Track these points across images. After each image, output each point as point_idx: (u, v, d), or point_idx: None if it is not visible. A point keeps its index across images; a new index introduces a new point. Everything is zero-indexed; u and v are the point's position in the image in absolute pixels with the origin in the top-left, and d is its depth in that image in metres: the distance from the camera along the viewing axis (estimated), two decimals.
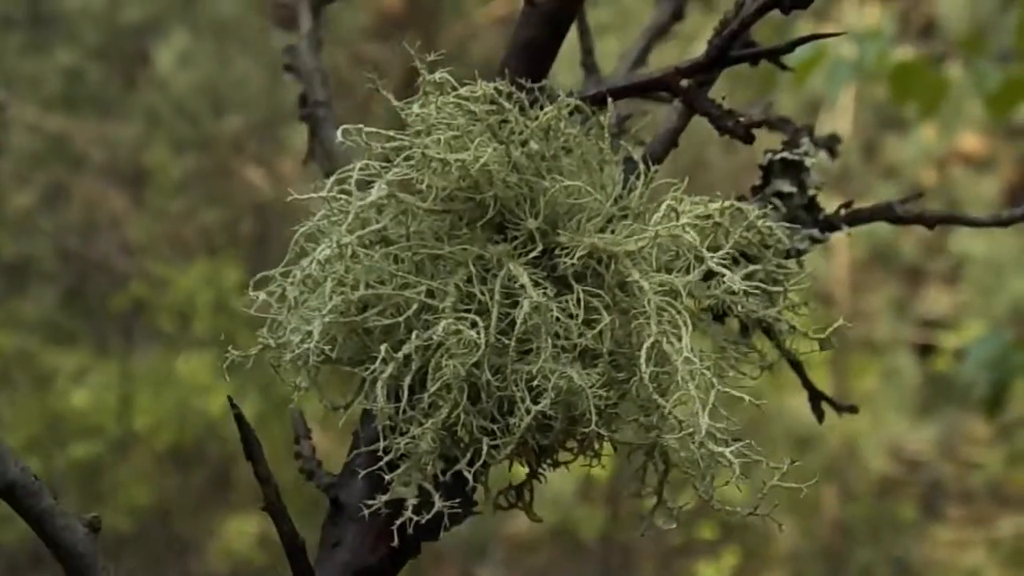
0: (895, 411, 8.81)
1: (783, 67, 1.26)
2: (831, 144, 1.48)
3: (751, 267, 1.06)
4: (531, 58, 1.11)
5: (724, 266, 1.01)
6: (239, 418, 0.99)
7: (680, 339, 0.99)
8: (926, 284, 9.63)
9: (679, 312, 1.01)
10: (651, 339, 0.99)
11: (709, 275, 1.05)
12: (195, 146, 9.56)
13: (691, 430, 0.97)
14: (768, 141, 1.29)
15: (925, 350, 9.05)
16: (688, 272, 1.04)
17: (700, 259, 1.02)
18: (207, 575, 8.39)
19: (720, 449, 0.96)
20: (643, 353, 0.99)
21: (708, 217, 1.04)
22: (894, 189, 9.40)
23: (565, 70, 1.31)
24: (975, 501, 8.98)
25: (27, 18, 9.27)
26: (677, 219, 1.01)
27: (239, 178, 9.85)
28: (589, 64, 1.45)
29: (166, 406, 8.42)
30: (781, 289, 1.06)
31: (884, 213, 1.25)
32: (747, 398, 0.98)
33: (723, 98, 1.09)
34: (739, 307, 1.04)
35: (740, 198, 1.21)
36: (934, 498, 9.08)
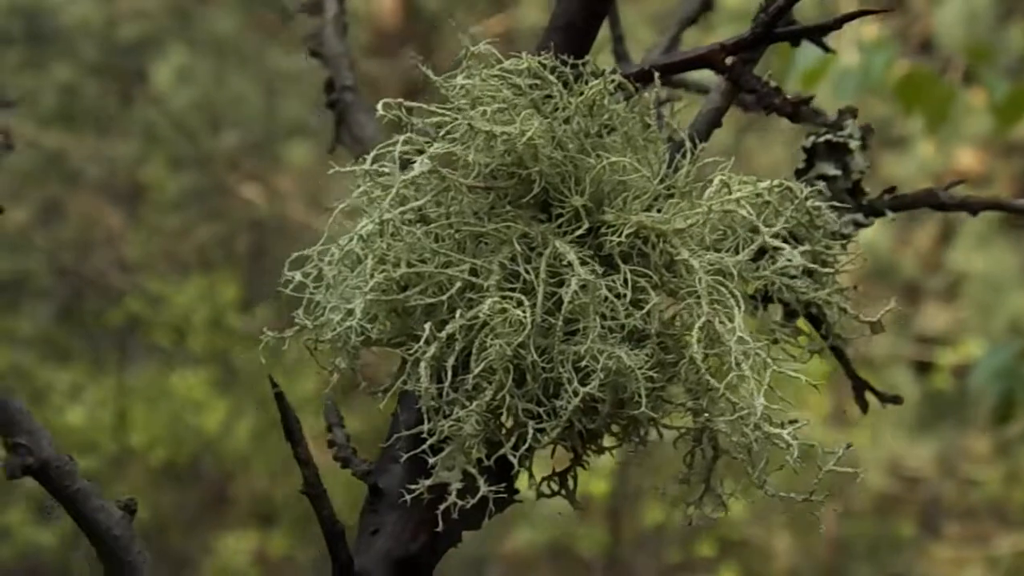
0: (894, 428, 8.78)
1: (825, 48, 1.24)
2: (864, 135, 1.46)
3: (800, 248, 1.03)
4: (571, 37, 1.08)
5: (779, 243, 0.98)
6: (279, 396, 0.95)
7: (732, 319, 0.96)
8: (924, 300, 9.62)
9: (731, 292, 0.98)
10: (702, 319, 0.96)
11: (758, 256, 1.02)
12: (192, 163, 9.54)
13: (745, 412, 0.94)
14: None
15: (924, 367, 9.03)
16: (738, 251, 1.01)
17: (753, 236, 0.99)
18: None
19: (777, 431, 0.93)
20: (694, 333, 0.96)
21: (758, 195, 1.01)
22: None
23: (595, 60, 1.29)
24: (974, 518, 8.96)
25: (24, 35, 9.25)
26: (730, 194, 0.99)
27: (236, 195, 9.83)
28: (620, 52, 1.42)
29: (161, 423, 8.38)
30: (831, 271, 1.03)
31: (928, 199, 1.22)
32: (804, 378, 0.95)
33: (769, 74, 1.06)
34: (789, 289, 1.01)
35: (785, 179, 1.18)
36: (933, 515, 9.05)
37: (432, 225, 0.99)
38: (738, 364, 0.94)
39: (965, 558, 8.68)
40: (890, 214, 1.19)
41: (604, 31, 1.38)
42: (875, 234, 9.13)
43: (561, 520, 7.45)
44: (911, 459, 8.96)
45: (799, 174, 1.19)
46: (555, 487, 1.05)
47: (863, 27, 8.12)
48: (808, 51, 4.07)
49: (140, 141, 9.32)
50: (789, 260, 0.96)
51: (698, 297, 0.97)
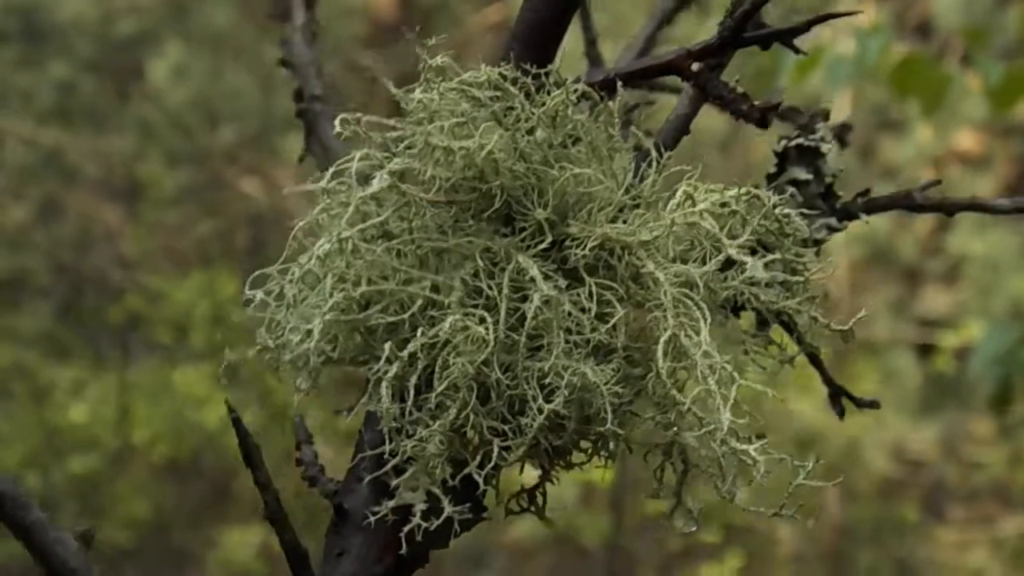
0: (896, 411, 8.77)
1: (796, 51, 1.22)
2: (842, 133, 1.44)
3: (769, 256, 1.01)
4: (536, 42, 1.06)
5: (744, 254, 0.97)
6: (237, 423, 0.94)
7: (698, 332, 0.94)
8: (925, 284, 9.61)
9: (697, 304, 0.96)
10: (668, 332, 0.94)
11: (726, 265, 1.00)
12: (189, 158, 9.53)
13: (712, 427, 0.93)
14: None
15: (925, 350, 9.02)
16: (704, 262, 0.99)
17: (718, 248, 0.97)
18: None
19: (744, 447, 0.92)
20: (660, 347, 0.94)
21: (725, 204, 1.00)
22: (891, 189, 9.36)
23: (568, 64, 1.27)
24: (978, 501, 8.95)
25: (20, 32, 9.24)
26: (694, 206, 0.97)
27: (234, 189, 9.82)
28: (593, 55, 1.40)
29: (163, 418, 8.38)
30: (801, 279, 1.02)
31: (903, 201, 1.20)
32: (770, 392, 0.93)
33: (736, 81, 1.04)
34: (758, 298, 1.00)
35: (754, 187, 1.17)
36: (936, 499, 9.05)
37: (395, 241, 0.98)
38: (704, 378, 0.93)
39: (969, 541, 8.68)
40: (864, 217, 1.17)
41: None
42: (874, 218, 9.09)
43: (564, 509, 7.44)
44: (914, 442, 8.95)
45: (770, 179, 1.17)
46: (524, 504, 1.04)
47: (856, 16, 8.09)
48: (800, 40, 4.05)
49: (137, 137, 9.31)
50: (753, 273, 0.94)
51: (664, 310, 0.95)
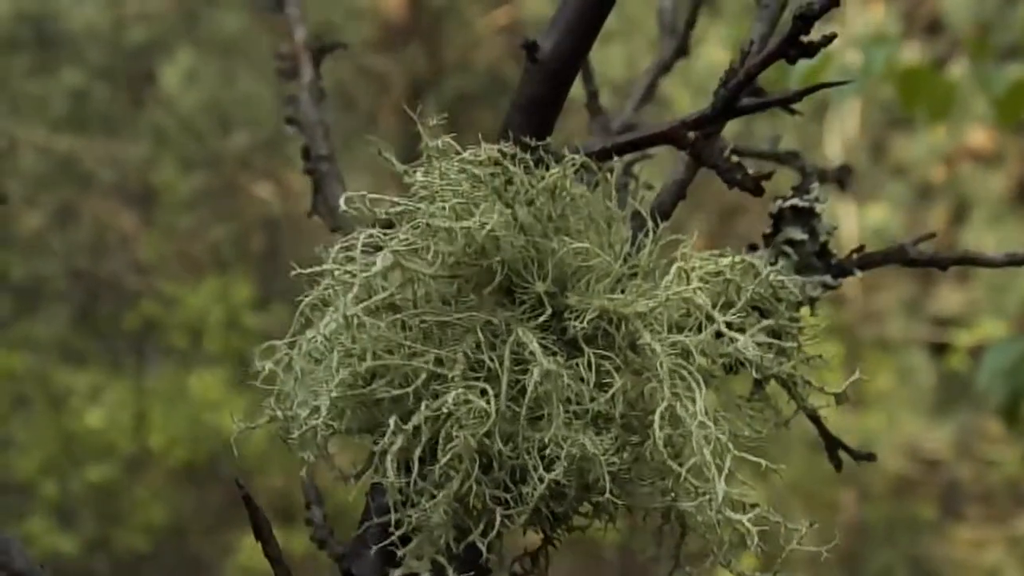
0: (910, 410, 8.78)
1: (792, 112, 1.25)
2: (842, 176, 1.47)
3: (764, 322, 1.04)
4: (535, 115, 1.09)
5: (735, 327, 1.00)
6: (247, 500, 0.97)
7: (694, 402, 0.97)
8: (938, 282, 9.61)
9: (692, 373, 0.99)
10: (664, 403, 0.97)
11: (722, 332, 1.03)
12: (203, 163, 9.57)
13: (708, 496, 0.96)
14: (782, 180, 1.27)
15: (939, 348, 9.02)
16: (700, 331, 1.02)
17: (712, 320, 1.00)
18: None
19: (738, 516, 0.95)
20: (656, 417, 0.97)
21: (719, 274, 1.03)
22: (903, 186, 9.37)
23: (569, 114, 1.30)
24: (993, 499, 8.95)
25: (33, 40, 9.28)
26: (688, 282, 1.00)
27: (247, 194, 9.86)
28: (594, 108, 1.43)
29: (179, 423, 8.42)
30: (795, 344, 1.05)
31: (897, 256, 1.23)
32: (764, 463, 0.96)
33: (731, 151, 1.07)
34: (752, 365, 1.02)
35: (752, 246, 1.19)
36: (952, 497, 9.05)
37: (400, 314, 1.01)
38: (699, 448, 0.96)
39: (985, 539, 8.68)
40: (859, 273, 1.20)
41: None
42: (887, 215, 9.11)
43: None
44: (928, 441, 8.95)
45: (767, 239, 1.20)
46: (527, 567, 1.07)
47: (866, 16, 8.08)
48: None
49: (151, 143, 9.35)
50: (743, 347, 0.97)
51: (660, 380, 0.98)
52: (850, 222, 8.71)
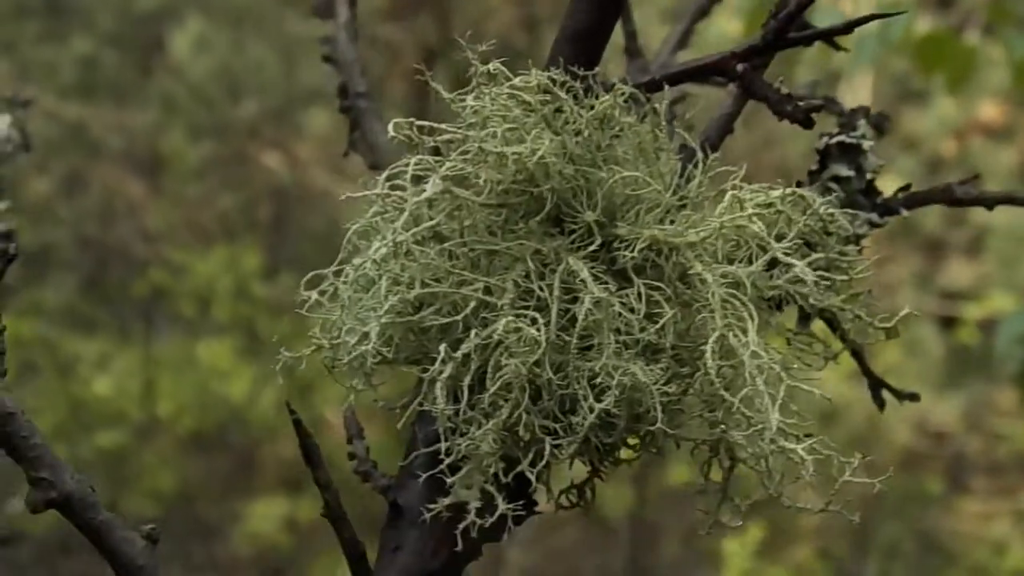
0: (919, 384, 8.76)
1: (837, 48, 1.23)
2: (881, 122, 1.46)
3: (814, 255, 1.03)
4: (582, 46, 1.08)
5: (790, 255, 0.98)
6: (297, 424, 0.96)
7: (746, 332, 0.96)
8: (947, 256, 9.59)
9: (744, 304, 0.98)
10: (716, 332, 0.96)
11: (772, 264, 1.02)
12: (212, 132, 9.55)
13: (760, 426, 0.94)
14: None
15: (948, 322, 9.01)
16: (751, 262, 1.01)
17: (764, 248, 0.99)
18: (233, 559, 8.40)
19: (792, 446, 0.94)
20: (708, 347, 0.96)
21: (770, 205, 1.01)
22: (913, 161, 9.34)
23: (608, 56, 1.28)
24: (1001, 473, 8.95)
25: (43, 7, 9.26)
26: (742, 209, 0.99)
27: (256, 163, 9.84)
28: (633, 49, 1.41)
29: (188, 391, 8.43)
30: (845, 277, 1.03)
31: (943, 195, 1.22)
32: (818, 392, 0.95)
33: (780, 81, 1.05)
34: (802, 296, 1.01)
35: (797, 184, 1.18)
36: (960, 470, 9.05)
37: (447, 244, 1.00)
38: (752, 378, 0.94)
39: (992, 512, 8.69)
40: (904, 212, 1.19)
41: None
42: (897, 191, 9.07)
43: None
44: (937, 414, 8.95)
45: (812, 176, 1.19)
46: (573, 499, 1.06)
47: None
48: (823, 17, 4.04)
49: (160, 111, 9.33)
50: (801, 274, 0.96)
51: (712, 310, 0.97)
52: None
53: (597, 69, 1.06)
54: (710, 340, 0.96)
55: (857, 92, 9.00)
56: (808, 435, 0.95)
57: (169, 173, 9.43)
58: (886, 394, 1.35)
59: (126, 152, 9.60)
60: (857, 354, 1.17)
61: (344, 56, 1.43)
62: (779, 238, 1.01)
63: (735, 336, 0.96)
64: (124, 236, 9.52)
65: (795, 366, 1.01)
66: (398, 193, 0.98)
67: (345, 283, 0.99)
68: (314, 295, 1.01)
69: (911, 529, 8.57)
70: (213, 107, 9.47)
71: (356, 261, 0.99)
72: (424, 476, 1.01)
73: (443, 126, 0.98)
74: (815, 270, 1.02)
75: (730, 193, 1.00)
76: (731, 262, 1.01)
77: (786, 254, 0.98)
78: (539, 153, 0.95)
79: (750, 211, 0.98)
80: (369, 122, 1.35)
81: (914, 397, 1.28)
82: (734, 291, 0.98)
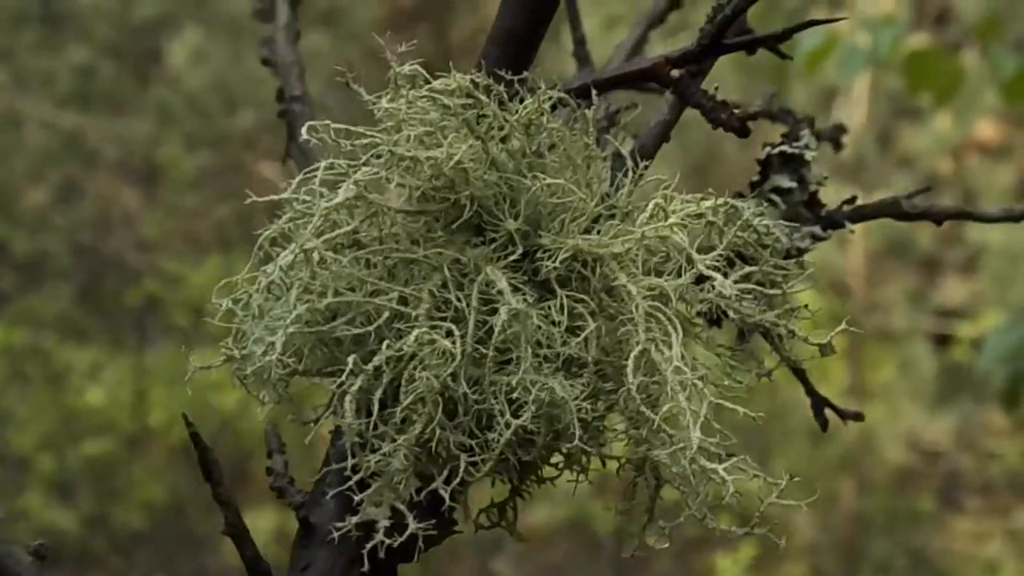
0: (912, 402, 8.73)
1: (781, 55, 1.19)
2: (835, 136, 1.42)
3: (747, 268, 0.99)
4: (512, 49, 1.04)
5: (716, 269, 0.95)
6: (195, 437, 0.93)
7: (670, 347, 0.92)
8: (942, 274, 9.56)
9: (669, 318, 0.94)
10: (639, 347, 0.92)
11: (702, 278, 0.98)
12: (208, 142, 9.53)
13: (682, 445, 0.91)
14: (772, 136, 1.23)
15: (942, 340, 8.98)
16: (680, 275, 0.97)
17: (691, 261, 0.95)
18: (222, 571, 8.35)
19: (713, 465, 0.90)
20: (631, 362, 0.92)
21: (700, 216, 0.98)
22: (909, 179, 9.31)
23: (556, 62, 1.25)
24: (993, 492, 8.91)
25: (40, 16, 9.25)
26: (665, 219, 0.95)
27: (252, 174, 9.81)
28: (581, 55, 1.38)
29: (180, 402, 8.40)
30: (779, 292, 0.99)
31: (890, 209, 1.18)
32: (741, 411, 0.91)
33: (715, 88, 1.02)
34: (734, 312, 0.97)
35: (738, 195, 1.15)
36: (952, 489, 9.01)
37: (364, 251, 0.96)
38: (674, 394, 0.91)
39: (985, 532, 8.65)
40: (849, 226, 1.15)
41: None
42: None
43: (578, 497, 7.45)
44: (929, 433, 8.91)
45: (754, 187, 1.15)
46: (493, 519, 1.02)
47: (876, 2, 8.01)
48: (813, 31, 4.02)
49: (156, 121, 9.32)
50: (722, 289, 0.92)
51: (636, 324, 0.93)
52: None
53: (526, 74, 1.02)
54: (632, 354, 0.92)
55: (852, 109, 8.97)
56: (731, 455, 0.91)
57: (165, 183, 9.40)
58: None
59: (122, 162, 9.58)
60: (798, 371, 1.13)
61: (282, 59, 1.40)
62: (708, 251, 0.97)
63: (658, 351, 0.92)
64: (119, 246, 9.50)
65: (725, 382, 0.97)
66: (308, 199, 0.94)
67: (257, 291, 0.96)
68: (227, 302, 0.97)
69: (903, 547, 8.53)
70: (209, 117, 9.46)
71: (268, 267, 0.95)
72: (333, 494, 0.97)
73: (359, 129, 0.95)
74: (749, 284, 0.98)
75: (653, 201, 0.96)
76: (659, 275, 0.97)
77: (713, 267, 0.94)
78: (456, 158, 0.92)
79: (673, 221, 0.94)
80: (303, 127, 1.31)
81: (858, 416, 1.24)
82: (659, 304, 0.95)
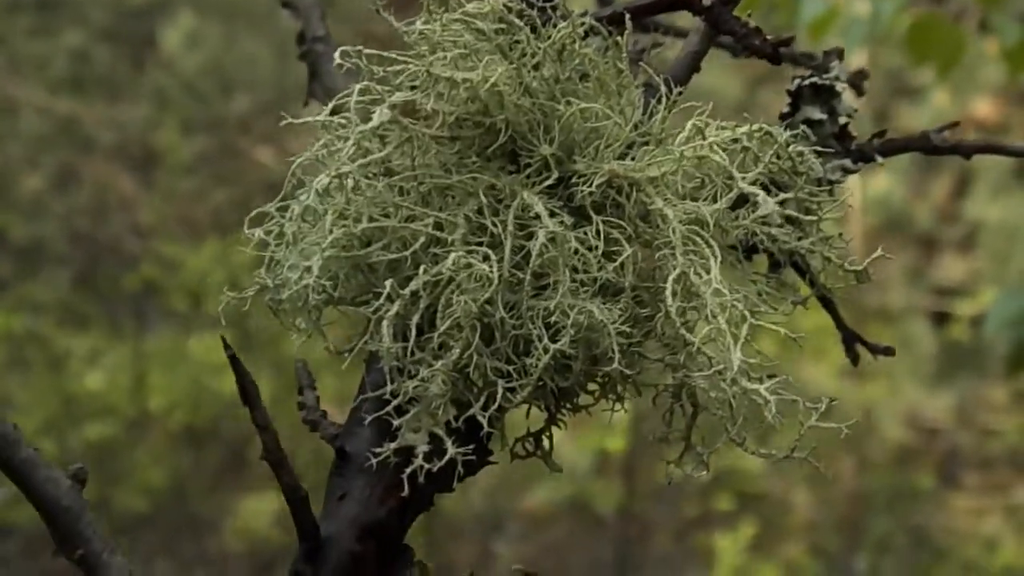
0: (911, 379, 8.74)
1: None
2: (857, 80, 1.41)
3: (782, 195, 0.98)
4: None
5: (756, 190, 0.94)
6: (233, 359, 0.91)
7: (708, 270, 0.91)
8: (941, 251, 9.57)
9: (706, 242, 0.93)
10: (677, 270, 0.92)
11: (737, 204, 0.97)
12: (204, 127, 9.52)
13: (722, 367, 0.90)
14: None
15: (941, 318, 8.99)
16: (716, 200, 0.96)
17: (729, 183, 0.94)
18: (223, 554, 8.36)
19: (755, 386, 0.89)
20: (669, 286, 0.91)
21: (736, 141, 0.97)
22: (906, 156, 9.30)
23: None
24: (993, 468, 8.93)
25: (34, 1, 9.23)
26: (704, 139, 0.94)
27: (249, 158, 9.80)
28: None
29: (180, 386, 8.39)
30: (815, 219, 0.99)
31: (920, 143, 1.17)
32: (783, 331, 0.90)
33: (748, 14, 1.01)
34: (770, 239, 0.97)
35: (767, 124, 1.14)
36: (951, 466, 9.03)
37: (396, 177, 0.95)
38: (714, 317, 0.90)
39: (984, 508, 8.66)
40: (880, 159, 1.14)
41: None
42: (890, 185, 9.05)
43: (579, 476, 7.44)
44: (929, 410, 8.92)
45: (784, 118, 1.14)
46: (530, 448, 1.01)
47: None
48: (814, 1, 4.01)
49: (152, 106, 9.30)
50: (765, 209, 0.91)
51: (673, 248, 0.93)
52: (853, 191, 8.67)
53: (556, 1, 1.02)
54: (670, 278, 0.91)
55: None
56: (772, 376, 0.90)
57: (161, 168, 9.39)
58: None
59: (118, 147, 9.56)
60: (828, 301, 1.12)
61: (303, 1, 1.39)
62: (744, 174, 0.96)
63: (696, 274, 0.92)
64: (116, 231, 9.48)
65: (761, 308, 0.97)
66: (343, 122, 0.93)
67: (290, 219, 0.95)
68: (259, 233, 0.96)
69: (903, 525, 8.54)
70: (205, 102, 9.44)
71: (300, 195, 0.95)
72: (370, 420, 0.96)
73: (392, 54, 0.94)
74: (785, 211, 0.97)
75: (691, 121, 0.96)
76: (695, 200, 0.96)
77: (753, 185, 0.93)
78: (491, 80, 0.91)
79: (711, 140, 0.93)
80: (326, 65, 1.31)
81: (888, 351, 1.24)
82: (697, 228, 0.94)
